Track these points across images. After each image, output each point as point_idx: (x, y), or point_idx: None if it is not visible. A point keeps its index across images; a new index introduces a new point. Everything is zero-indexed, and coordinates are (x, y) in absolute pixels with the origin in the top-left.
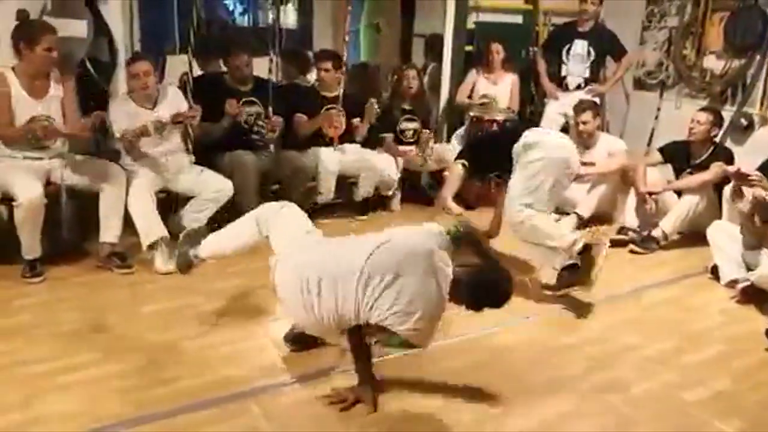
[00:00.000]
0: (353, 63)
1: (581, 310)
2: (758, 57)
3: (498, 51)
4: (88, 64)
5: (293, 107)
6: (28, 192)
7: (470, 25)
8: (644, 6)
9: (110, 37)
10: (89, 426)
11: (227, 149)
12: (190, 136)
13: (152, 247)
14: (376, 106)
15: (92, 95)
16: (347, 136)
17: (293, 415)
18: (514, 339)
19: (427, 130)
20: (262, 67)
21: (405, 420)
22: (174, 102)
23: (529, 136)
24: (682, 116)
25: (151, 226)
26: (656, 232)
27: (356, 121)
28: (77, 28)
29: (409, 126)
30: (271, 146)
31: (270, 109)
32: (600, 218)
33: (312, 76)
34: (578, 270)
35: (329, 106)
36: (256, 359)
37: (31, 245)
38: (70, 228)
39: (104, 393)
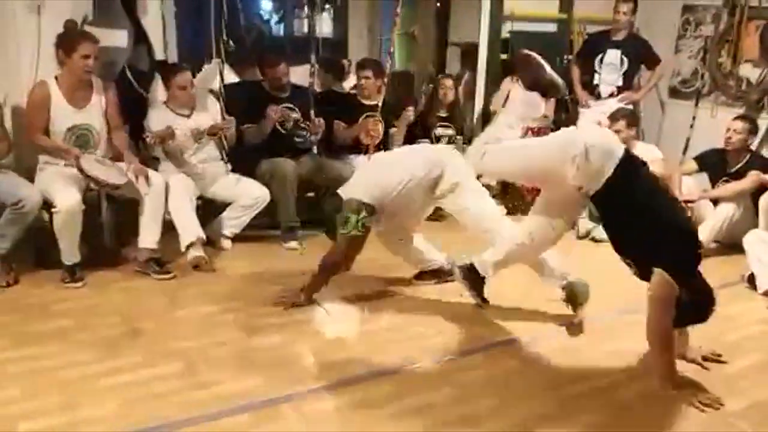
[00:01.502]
0: (393, 71)
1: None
2: None
3: None
4: (128, 73)
5: (332, 114)
6: (67, 199)
7: (505, 34)
8: (679, 14)
9: (149, 46)
10: (129, 429)
11: (266, 156)
12: (224, 146)
13: (190, 247)
14: (410, 116)
15: (131, 103)
16: (383, 145)
17: (330, 421)
18: (549, 347)
19: (461, 137)
20: (299, 75)
21: (441, 425)
22: (210, 110)
23: None
24: (717, 124)
25: (191, 227)
26: None
27: (393, 130)
28: (118, 37)
29: (445, 133)
30: (314, 148)
31: (311, 112)
32: None
33: (348, 84)
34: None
35: (368, 114)
36: (293, 364)
37: (70, 251)
38: (110, 234)
39: (143, 396)
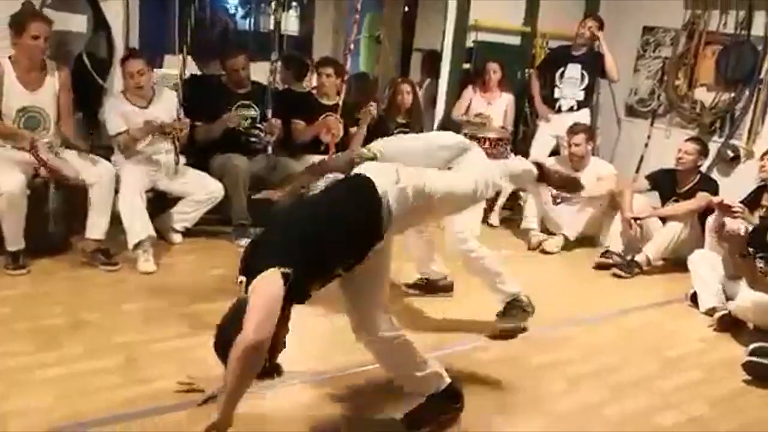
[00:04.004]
0: (353, 73)
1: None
2: (747, 92)
3: (495, 70)
4: (86, 59)
5: (290, 113)
6: (10, 182)
7: (469, 43)
8: (639, 35)
9: (109, 33)
10: (60, 423)
11: (220, 151)
12: (176, 144)
13: (138, 246)
14: (374, 111)
15: (87, 91)
16: (343, 146)
17: (270, 421)
18: (494, 357)
19: None
20: (262, 71)
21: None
22: (168, 103)
23: None
24: (671, 145)
25: (139, 226)
26: (639, 257)
27: (353, 130)
28: (76, 22)
29: None
30: (269, 149)
31: (269, 112)
32: (586, 241)
33: (309, 83)
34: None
35: (327, 113)
36: None
37: (14, 236)
38: (57, 222)
39: (80, 390)
